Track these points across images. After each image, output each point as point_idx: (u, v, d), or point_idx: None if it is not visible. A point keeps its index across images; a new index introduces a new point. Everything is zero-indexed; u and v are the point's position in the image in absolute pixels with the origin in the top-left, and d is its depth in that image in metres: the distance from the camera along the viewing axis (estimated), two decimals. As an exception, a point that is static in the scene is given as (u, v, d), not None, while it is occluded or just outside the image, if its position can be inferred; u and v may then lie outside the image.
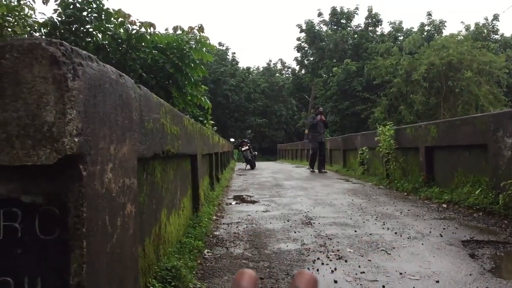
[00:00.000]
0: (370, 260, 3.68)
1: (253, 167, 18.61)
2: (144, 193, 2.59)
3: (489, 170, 6.14)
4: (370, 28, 40.08)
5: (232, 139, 24.14)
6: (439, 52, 25.83)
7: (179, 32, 7.79)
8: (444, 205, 6.58)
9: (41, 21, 7.14)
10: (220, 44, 50.61)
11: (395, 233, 4.73)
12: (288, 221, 5.60)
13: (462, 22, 37.01)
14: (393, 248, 4.09)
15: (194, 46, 7.50)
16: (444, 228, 4.91)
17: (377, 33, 40.17)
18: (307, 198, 7.82)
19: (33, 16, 7.35)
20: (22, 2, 6.99)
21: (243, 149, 18.88)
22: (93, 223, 1.44)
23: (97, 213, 1.47)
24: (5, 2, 6.87)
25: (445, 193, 7.10)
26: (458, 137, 6.92)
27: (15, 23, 7.08)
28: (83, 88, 1.39)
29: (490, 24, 35.12)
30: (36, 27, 7.24)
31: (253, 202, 7.54)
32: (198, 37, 7.74)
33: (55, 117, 1.29)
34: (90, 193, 1.41)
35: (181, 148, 3.75)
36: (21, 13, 7.14)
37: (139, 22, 7.13)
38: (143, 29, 7.17)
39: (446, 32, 34.45)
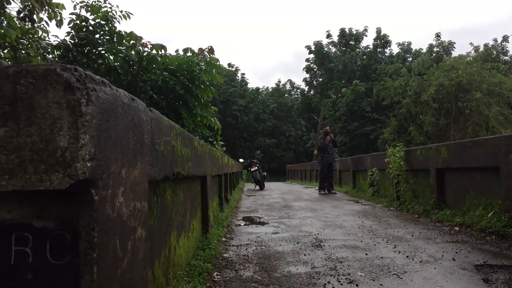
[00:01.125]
0: (382, 285, 3.62)
1: (262, 187, 18.55)
2: (154, 215, 2.58)
3: (501, 193, 6.06)
4: (378, 49, 40.28)
5: (241, 160, 24.14)
6: (448, 73, 25.85)
7: (189, 54, 7.89)
8: (456, 228, 6.49)
9: (54, 43, 7.27)
10: (229, 65, 51.14)
11: (407, 256, 4.66)
12: (297, 243, 5.54)
13: (471, 43, 37.24)
14: (405, 272, 4.02)
15: (204, 67, 7.57)
16: (456, 252, 4.83)
17: (386, 54, 40.36)
18: (317, 219, 7.76)
19: (47, 38, 7.49)
20: (36, 25, 7.12)
21: (252, 169, 18.86)
22: (104, 248, 1.43)
23: (108, 237, 1.47)
24: (19, 25, 7.00)
25: (457, 215, 7.01)
26: (469, 159, 6.85)
27: (29, 46, 7.21)
28: (96, 113, 1.39)
29: (499, 45, 35.14)
30: (49, 50, 7.35)
31: (263, 223, 7.49)
32: (208, 59, 7.81)
33: (68, 142, 1.29)
34: (101, 218, 1.41)
35: (191, 170, 3.75)
36: (35, 36, 7.27)
37: (150, 44, 7.23)
38: (154, 51, 7.27)
39: (455, 53, 34.52)
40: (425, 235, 6.02)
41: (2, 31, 6.31)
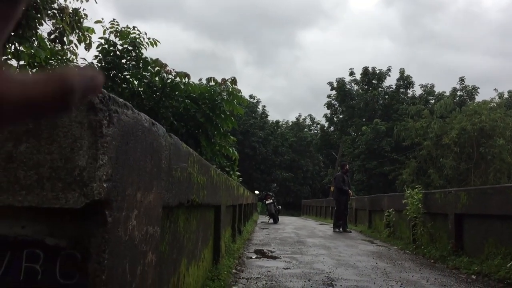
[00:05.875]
0: (393, 330, 3.51)
1: (276, 221, 18.34)
2: (165, 241, 2.56)
3: (522, 242, 5.89)
4: (401, 90, 40.23)
5: (256, 191, 23.98)
6: (471, 118, 25.62)
7: (212, 83, 7.99)
8: (473, 277, 6.30)
9: (81, 65, 7.45)
10: (251, 96, 51.44)
11: (421, 302, 4.53)
12: (308, 280, 5.43)
13: (495, 89, 36.86)
14: (418, 318, 3.90)
15: (226, 97, 7.65)
16: (473, 301, 4.68)
17: (408, 95, 40.27)
18: (330, 257, 7.62)
19: (75, 60, 7.69)
20: (65, 47, 7.33)
21: (267, 202, 18.70)
22: (113, 271, 1.42)
23: (118, 260, 1.46)
24: (49, 46, 7.21)
25: (474, 263, 6.81)
26: (489, 206, 6.71)
27: (57, 66, 7.41)
28: (117, 135, 1.41)
29: (524, 92, 34.79)
30: (76, 71, 7.53)
31: (274, 257, 7.39)
32: (230, 89, 7.91)
33: (86, 162, 1.30)
34: (113, 240, 1.41)
35: (206, 198, 3.74)
36: (64, 57, 7.48)
37: (175, 71, 7.36)
38: (178, 79, 7.39)
39: (478, 98, 34.22)
40: (440, 281, 5.85)
41: (33, 51, 6.52)
